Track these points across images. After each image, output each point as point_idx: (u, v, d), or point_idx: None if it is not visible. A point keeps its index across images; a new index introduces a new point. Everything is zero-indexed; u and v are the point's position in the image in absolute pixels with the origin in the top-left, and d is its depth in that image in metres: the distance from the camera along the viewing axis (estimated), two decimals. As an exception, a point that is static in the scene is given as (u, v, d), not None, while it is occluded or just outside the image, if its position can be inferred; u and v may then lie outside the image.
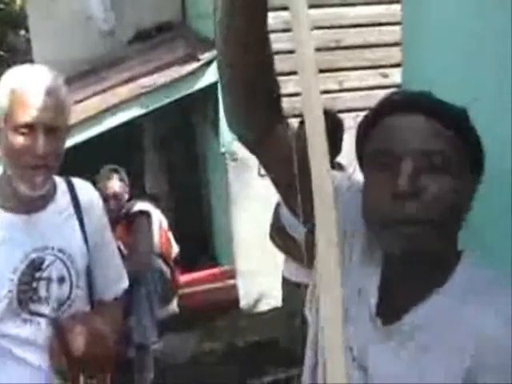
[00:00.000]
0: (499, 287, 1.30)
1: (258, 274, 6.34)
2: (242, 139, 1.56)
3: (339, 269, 1.02)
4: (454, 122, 1.32)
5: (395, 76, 6.09)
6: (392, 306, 1.36)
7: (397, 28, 5.65)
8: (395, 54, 5.90)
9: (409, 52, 2.28)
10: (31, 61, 8.31)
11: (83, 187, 2.43)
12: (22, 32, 16.14)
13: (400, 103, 1.36)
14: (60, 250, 2.26)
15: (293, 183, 1.44)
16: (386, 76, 6.50)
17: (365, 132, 1.41)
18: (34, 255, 2.21)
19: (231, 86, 1.46)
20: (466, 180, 1.33)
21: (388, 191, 1.28)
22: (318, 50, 6.48)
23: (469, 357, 1.23)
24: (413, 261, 1.31)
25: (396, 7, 5.84)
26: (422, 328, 1.30)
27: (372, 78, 6.51)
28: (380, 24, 6.45)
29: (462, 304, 1.28)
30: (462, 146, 1.32)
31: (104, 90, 6.62)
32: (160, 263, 5.17)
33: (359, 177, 1.47)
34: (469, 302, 1.28)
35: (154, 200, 5.56)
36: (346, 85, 6.50)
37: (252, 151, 1.58)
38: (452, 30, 1.97)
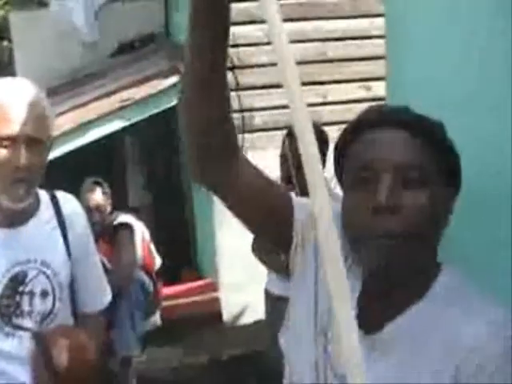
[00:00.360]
0: (480, 296, 1.32)
1: (242, 287, 6.32)
2: (204, 179, 1.53)
3: (348, 288, 1.02)
4: (431, 137, 1.33)
5: (378, 89, 6.11)
6: (373, 317, 1.36)
7: (380, 41, 5.69)
8: (378, 68, 5.92)
9: (393, 66, 2.28)
10: (13, 72, 8.28)
11: (67, 200, 2.42)
12: (5, 43, 16.07)
13: (378, 118, 1.37)
14: (43, 264, 2.25)
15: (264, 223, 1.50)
16: (368, 89, 6.52)
17: (343, 147, 1.42)
18: (16, 269, 2.20)
19: (191, 111, 1.45)
20: (444, 194, 1.35)
21: (367, 206, 1.29)
22: (301, 62, 6.56)
23: (453, 365, 1.23)
24: (393, 274, 1.32)
25: (380, 21, 5.87)
26: (404, 337, 1.31)
27: (355, 91, 6.54)
28: (363, 37, 6.48)
29: (444, 313, 1.29)
30: (439, 160, 1.33)
31: (87, 103, 6.60)
32: (142, 275, 5.16)
33: (339, 191, 1.48)
34: (450, 311, 1.29)
35: (137, 212, 5.56)
36: (329, 98, 6.52)
37: (219, 193, 1.54)
38: (436, 43, 1.97)
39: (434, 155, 1.32)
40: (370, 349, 1.34)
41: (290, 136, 3.85)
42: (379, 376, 1.31)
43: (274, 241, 1.62)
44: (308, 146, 1.03)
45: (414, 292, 1.34)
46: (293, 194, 1.58)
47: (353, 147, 1.38)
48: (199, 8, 1.31)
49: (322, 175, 1.02)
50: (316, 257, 1.50)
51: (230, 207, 1.54)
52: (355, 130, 1.39)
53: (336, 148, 1.45)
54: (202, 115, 1.41)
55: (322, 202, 1.02)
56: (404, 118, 1.34)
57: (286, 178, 3.99)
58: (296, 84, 1.04)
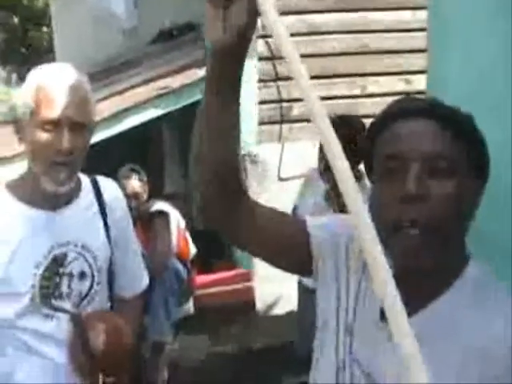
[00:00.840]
0: (506, 295, 1.32)
1: (276, 277, 6.28)
2: (221, 220, 1.55)
3: (398, 296, 1.04)
4: (461, 129, 1.33)
5: (418, 82, 6.06)
6: None
7: (421, 34, 5.64)
8: (419, 61, 5.88)
9: (434, 59, 2.27)
10: (53, 58, 8.33)
11: (108, 185, 2.45)
12: (45, 29, 16.23)
13: (409, 109, 1.38)
14: (83, 247, 2.27)
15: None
16: (409, 82, 6.46)
17: (373, 136, 1.43)
18: (57, 251, 2.23)
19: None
20: (473, 186, 1.35)
21: (396, 195, 1.30)
22: (342, 54, 6.49)
23: (477, 362, 1.24)
24: (419, 263, 1.31)
25: (421, 13, 5.82)
26: (431, 329, 1.31)
27: (395, 83, 6.49)
28: (404, 30, 6.43)
29: (469, 308, 1.30)
30: (468, 152, 1.33)
31: (124, 90, 6.62)
32: (177, 263, 5.17)
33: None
34: (475, 307, 1.29)
35: (173, 200, 5.56)
36: (369, 90, 6.48)
37: (235, 238, 1.61)
38: (480, 37, 1.96)
39: (463, 147, 1.32)
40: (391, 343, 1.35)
41: None
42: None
43: (292, 268, 1.66)
44: (336, 158, 1.02)
45: (439, 285, 1.35)
46: (308, 217, 1.61)
47: (383, 136, 1.39)
48: (213, 77, 1.36)
49: (355, 187, 1.02)
50: (337, 266, 1.53)
51: (247, 249, 1.62)
52: (386, 119, 1.40)
53: (366, 137, 1.46)
54: (219, 162, 1.43)
55: (358, 209, 1.02)
56: (434, 109, 1.35)
57: (325, 170, 3.95)
58: (305, 77, 1.04)
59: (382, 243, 1.34)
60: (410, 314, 1.32)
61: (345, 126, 3.63)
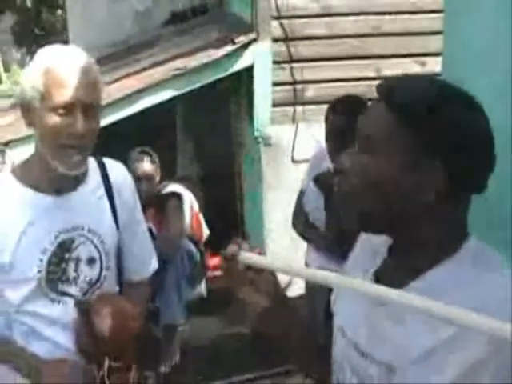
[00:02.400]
0: (501, 265, 1.33)
1: (289, 260, 6.29)
2: None
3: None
4: (412, 113, 1.32)
5: (433, 65, 6.02)
6: (394, 280, 1.38)
7: (436, 16, 5.59)
8: (434, 43, 5.83)
9: (450, 41, 2.25)
10: (66, 40, 8.33)
11: (114, 167, 2.42)
12: (59, 11, 16.24)
13: (379, 91, 1.39)
14: (90, 231, 2.26)
15: None
16: (423, 64, 6.42)
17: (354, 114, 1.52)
18: (64, 236, 2.21)
19: None
20: (429, 166, 1.31)
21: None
22: (356, 36, 6.45)
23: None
24: (399, 241, 1.40)
25: (437, -5, 5.77)
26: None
27: (409, 66, 6.44)
28: (420, 12, 6.38)
29: (464, 278, 1.29)
30: (416, 134, 1.31)
31: (138, 72, 6.60)
32: (190, 245, 5.18)
33: None
34: (471, 277, 1.29)
35: (186, 182, 5.57)
36: (384, 72, 6.42)
37: None
38: (495, 18, 1.93)
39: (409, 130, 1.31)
40: (383, 318, 1.38)
41: (331, 110, 3.72)
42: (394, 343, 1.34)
43: None
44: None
45: (433, 257, 1.35)
46: None
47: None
48: None
49: None
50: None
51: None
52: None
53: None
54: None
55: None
56: (389, 93, 1.35)
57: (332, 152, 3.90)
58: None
59: None
60: (400, 286, 1.34)
61: (352, 104, 3.58)
